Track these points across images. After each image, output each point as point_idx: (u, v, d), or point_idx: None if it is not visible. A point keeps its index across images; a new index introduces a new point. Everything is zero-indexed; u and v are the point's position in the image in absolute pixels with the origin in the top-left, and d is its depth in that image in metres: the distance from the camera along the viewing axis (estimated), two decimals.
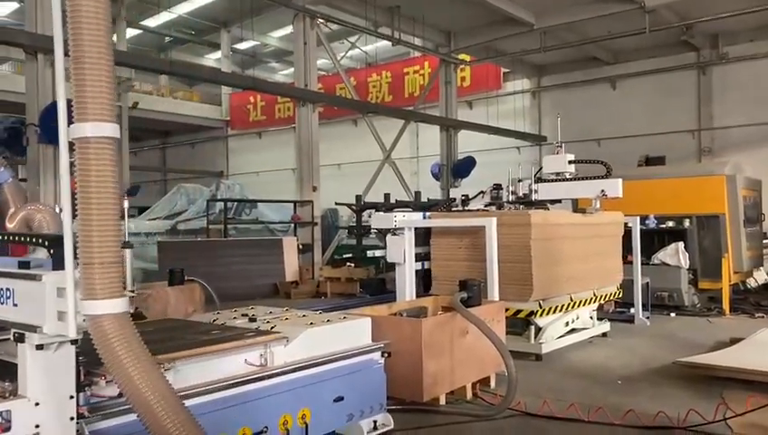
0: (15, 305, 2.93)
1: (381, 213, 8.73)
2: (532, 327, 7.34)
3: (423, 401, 5.12)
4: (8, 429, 2.69)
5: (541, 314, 7.23)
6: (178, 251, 13.27)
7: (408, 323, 5.33)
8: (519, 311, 7.17)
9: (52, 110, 9.77)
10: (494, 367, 5.85)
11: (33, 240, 3.12)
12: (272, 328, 4.09)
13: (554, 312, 7.46)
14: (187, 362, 3.37)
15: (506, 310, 6.71)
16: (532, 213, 7.33)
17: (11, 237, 3.84)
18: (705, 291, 11.07)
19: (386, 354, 4.53)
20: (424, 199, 15.65)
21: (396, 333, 4.99)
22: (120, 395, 2.81)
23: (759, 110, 17.22)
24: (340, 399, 4.13)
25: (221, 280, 9.82)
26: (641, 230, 9.87)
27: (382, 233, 9.36)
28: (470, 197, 9.32)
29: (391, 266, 8.47)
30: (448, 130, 19.72)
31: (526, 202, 8.67)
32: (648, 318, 9.67)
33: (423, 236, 7.88)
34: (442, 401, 5.37)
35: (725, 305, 10.57)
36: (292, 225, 15.91)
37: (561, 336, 7.74)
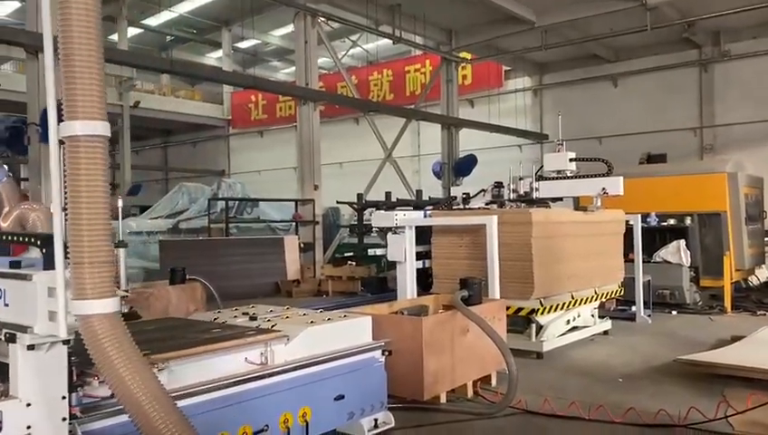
0: (6, 305, 2.91)
1: (382, 211, 8.72)
2: (534, 325, 7.33)
3: (424, 400, 5.13)
4: None
5: (542, 313, 7.22)
6: (180, 250, 13.27)
7: (409, 321, 5.33)
8: (520, 309, 7.16)
9: None
10: (494, 365, 5.85)
11: (25, 239, 3.09)
12: (272, 327, 4.09)
13: (555, 310, 7.45)
14: (187, 361, 3.37)
15: (507, 308, 6.71)
16: (533, 211, 7.33)
17: (3, 236, 3.82)
18: (707, 289, 11.07)
19: (386, 353, 4.54)
20: (425, 198, 15.64)
21: (396, 332, 5.00)
22: (114, 395, 2.79)
23: (761, 107, 17.19)
24: (341, 397, 4.13)
25: (222, 279, 9.82)
26: (643, 228, 9.86)
27: (383, 231, 9.34)
28: (471, 195, 9.32)
29: (393, 265, 8.47)
30: (450, 129, 19.70)
31: (527, 200, 8.67)
32: (649, 316, 9.66)
33: (424, 234, 7.88)
34: (443, 399, 5.38)
35: (727, 303, 10.57)
36: (294, 223, 15.91)
37: (562, 334, 7.73)
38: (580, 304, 7.92)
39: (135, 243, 15.61)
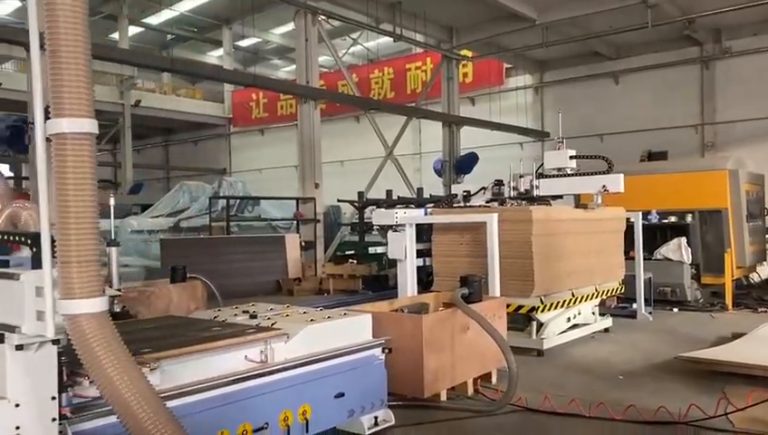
0: None
1: (383, 210, 8.73)
2: (534, 323, 7.34)
3: (424, 397, 5.13)
4: None
5: (542, 310, 7.21)
6: (181, 248, 13.28)
7: (409, 319, 5.33)
8: (520, 307, 7.16)
9: None
10: (495, 363, 5.86)
11: (16, 238, 3.05)
12: (272, 325, 4.10)
13: (556, 307, 7.45)
14: (187, 360, 3.37)
15: (508, 306, 6.72)
16: (534, 209, 7.32)
17: None
18: (708, 286, 11.06)
19: (387, 350, 4.54)
20: (426, 196, 15.63)
21: (397, 330, 5.00)
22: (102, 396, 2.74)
23: (762, 104, 17.17)
24: (341, 395, 4.14)
25: (223, 277, 9.82)
26: (644, 225, 9.86)
27: (384, 230, 9.35)
28: (472, 193, 9.31)
29: (394, 263, 8.48)
30: (451, 127, 19.70)
31: (528, 198, 8.66)
32: (650, 313, 9.65)
33: (425, 232, 7.88)
34: (443, 396, 5.39)
35: (728, 300, 10.56)
36: (295, 222, 15.92)
37: (562, 332, 7.73)
38: (580, 301, 7.92)
39: (136, 241, 15.65)
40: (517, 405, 5.25)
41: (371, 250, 10.05)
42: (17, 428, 2.67)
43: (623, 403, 5.17)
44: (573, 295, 7.72)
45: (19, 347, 2.68)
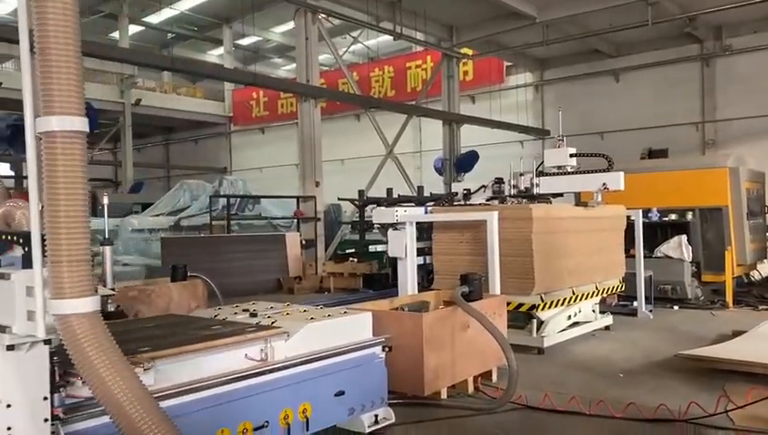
0: None
1: (383, 208, 8.73)
2: (534, 321, 7.34)
3: (424, 395, 5.13)
4: None
5: (542, 308, 7.22)
6: (181, 247, 13.29)
7: (410, 317, 5.34)
8: (521, 305, 7.16)
9: None
10: (495, 361, 5.87)
11: (8, 237, 3.03)
12: (272, 323, 4.10)
13: (556, 305, 7.46)
14: (187, 358, 3.38)
15: (508, 304, 6.72)
16: (534, 207, 7.33)
17: None
18: (709, 284, 11.05)
19: (387, 349, 4.55)
20: (427, 194, 15.64)
21: (397, 328, 5.00)
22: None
23: (763, 101, 17.15)
24: (341, 393, 4.14)
25: (224, 276, 9.81)
26: (644, 223, 9.86)
27: (384, 228, 9.36)
28: (472, 191, 9.31)
29: (394, 261, 8.48)
30: (451, 125, 19.69)
31: (528, 196, 8.67)
32: (650, 311, 9.66)
33: (425, 230, 7.88)
34: (443, 394, 5.39)
35: (728, 298, 10.56)
36: (295, 220, 15.91)
37: (563, 330, 7.74)
38: (581, 299, 7.92)
39: (137, 240, 15.66)
40: (517, 403, 5.25)
41: (372, 248, 10.06)
42: (9, 428, 2.65)
43: (623, 401, 5.18)
44: (574, 293, 7.72)
45: (10, 347, 2.66)
